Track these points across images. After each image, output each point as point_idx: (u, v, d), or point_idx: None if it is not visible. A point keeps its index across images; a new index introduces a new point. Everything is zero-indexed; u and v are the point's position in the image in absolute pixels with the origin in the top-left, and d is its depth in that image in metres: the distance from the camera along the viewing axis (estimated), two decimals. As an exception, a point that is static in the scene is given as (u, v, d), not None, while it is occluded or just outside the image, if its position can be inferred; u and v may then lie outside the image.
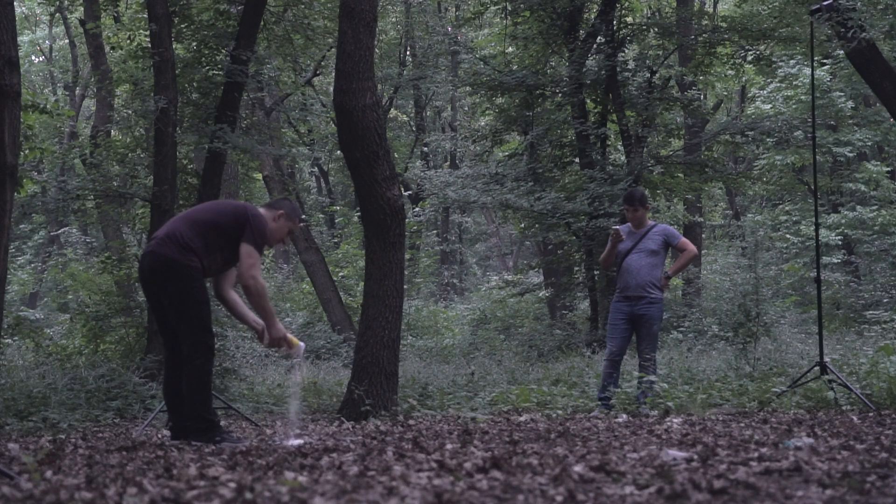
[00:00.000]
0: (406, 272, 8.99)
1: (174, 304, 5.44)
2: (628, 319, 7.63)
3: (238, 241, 5.43)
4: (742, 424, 5.78)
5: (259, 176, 18.61)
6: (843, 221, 19.39)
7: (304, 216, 19.74)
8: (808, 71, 18.19)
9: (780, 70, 18.62)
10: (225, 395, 8.11)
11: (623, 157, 15.67)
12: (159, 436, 6.39)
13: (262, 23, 12.44)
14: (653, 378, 7.35)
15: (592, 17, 15.75)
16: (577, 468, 3.47)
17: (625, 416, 6.90)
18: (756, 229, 20.86)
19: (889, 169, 20.84)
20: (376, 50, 12.76)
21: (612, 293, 8.05)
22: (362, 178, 7.59)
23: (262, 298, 5.40)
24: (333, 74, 8.36)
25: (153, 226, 11.18)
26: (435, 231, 28.07)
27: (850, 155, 20.15)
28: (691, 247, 7.80)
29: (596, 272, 14.44)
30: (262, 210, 5.68)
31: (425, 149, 26.73)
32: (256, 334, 5.73)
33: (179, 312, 5.44)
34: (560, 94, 15.70)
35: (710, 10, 21.14)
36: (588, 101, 15.34)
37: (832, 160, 20.32)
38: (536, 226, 15.73)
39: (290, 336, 5.63)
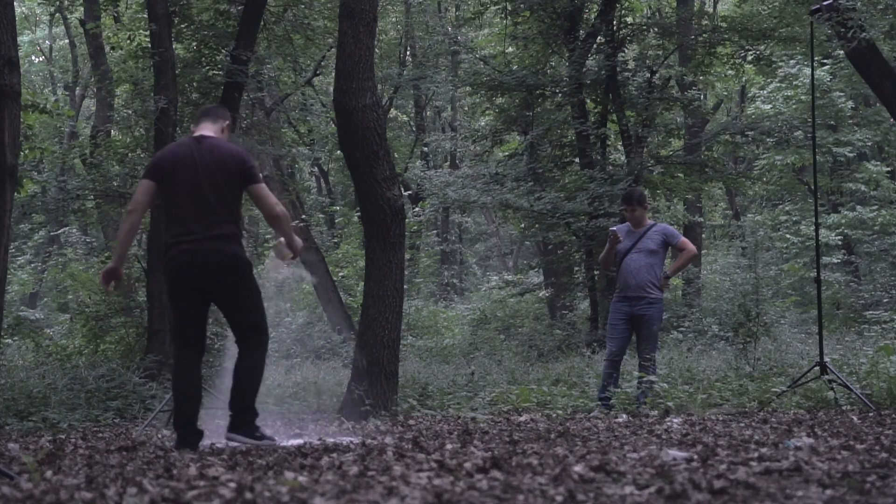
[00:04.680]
0: (406, 272, 9.00)
1: (242, 300, 5.34)
2: (628, 319, 7.63)
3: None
4: (742, 424, 5.78)
5: (259, 176, 18.56)
6: (843, 221, 19.38)
7: (304, 216, 19.77)
8: (808, 71, 18.18)
9: (780, 70, 18.61)
10: (225, 396, 8.11)
11: (623, 157, 15.67)
12: (159, 436, 6.40)
13: (262, 23, 12.45)
14: (653, 378, 7.35)
15: (592, 17, 15.75)
16: (577, 468, 3.47)
17: (625, 416, 6.90)
18: (756, 229, 20.84)
19: (889, 169, 20.82)
20: (376, 50, 12.75)
21: (612, 293, 8.05)
22: (362, 178, 7.59)
23: (289, 221, 5.46)
24: (333, 74, 8.36)
25: (153, 225, 11.18)
26: (435, 231, 28.04)
27: (850, 155, 20.13)
28: (691, 246, 7.80)
29: (596, 272, 14.44)
30: (208, 126, 5.49)
31: (425, 149, 26.72)
32: (277, 252, 5.65)
33: (248, 308, 5.35)
34: (560, 94, 15.70)
35: (710, 10, 21.13)
36: (588, 101, 15.34)
37: (832, 160, 20.30)
38: (536, 226, 15.73)
39: None
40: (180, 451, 5.04)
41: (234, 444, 5.22)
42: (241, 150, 5.52)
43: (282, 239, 5.54)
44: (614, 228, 7.75)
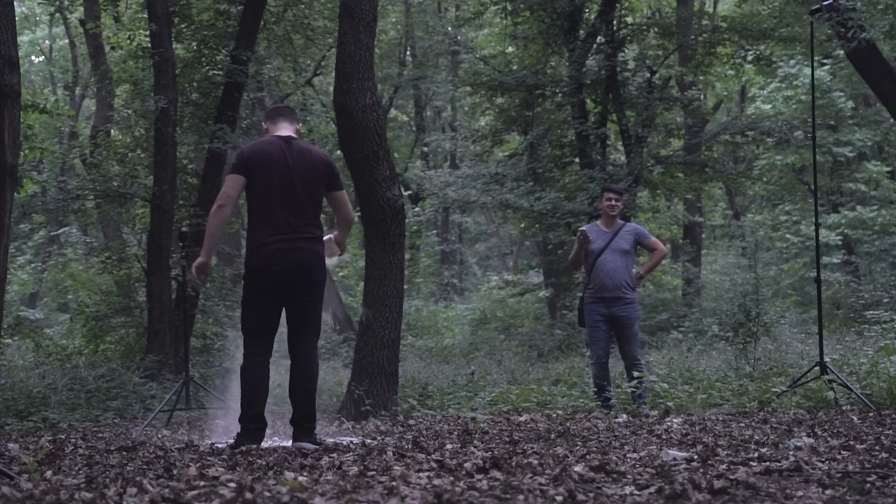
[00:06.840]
0: (406, 272, 9.00)
1: (317, 303, 5.39)
2: (606, 320, 7.67)
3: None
4: (742, 424, 5.78)
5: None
6: (843, 221, 19.38)
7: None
8: (808, 71, 18.19)
9: (780, 70, 18.62)
10: (225, 395, 8.11)
11: (623, 157, 15.67)
12: (159, 436, 6.40)
13: (262, 23, 12.45)
14: (653, 378, 7.37)
15: (592, 17, 15.75)
16: (577, 468, 3.47)
17: (625, 416, 6.90)
18: (756, 229, 20.87)
19: (889, 169, 20.83)
20: (376, 50, 12.75)
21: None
22: (362, 178, 7.59)
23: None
24: (333, 74, 8.36)
25: (153, 226, 11.18)
26: (435, 231, 28.05)
27: (850, 155, 20.14)
28: (661, 246, 7.92)
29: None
30: (287, 126, 5.48)
31: (425, 149, 26.72)
32: (328, 248, 5.70)
33: (319, 311, 5.42)
34: (560, 94, 15.70)
35: (710, 10, 21.14)
36: (588, 101, 15.35)
37: (832, 160, 20.31)
38: (536, 226, 15.75)
39: None
40: (241, 445, 5.05)
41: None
42: (327, 155, 5.62)
43: (331, 236, 5.71)
44: (583, 228, 7.79)
